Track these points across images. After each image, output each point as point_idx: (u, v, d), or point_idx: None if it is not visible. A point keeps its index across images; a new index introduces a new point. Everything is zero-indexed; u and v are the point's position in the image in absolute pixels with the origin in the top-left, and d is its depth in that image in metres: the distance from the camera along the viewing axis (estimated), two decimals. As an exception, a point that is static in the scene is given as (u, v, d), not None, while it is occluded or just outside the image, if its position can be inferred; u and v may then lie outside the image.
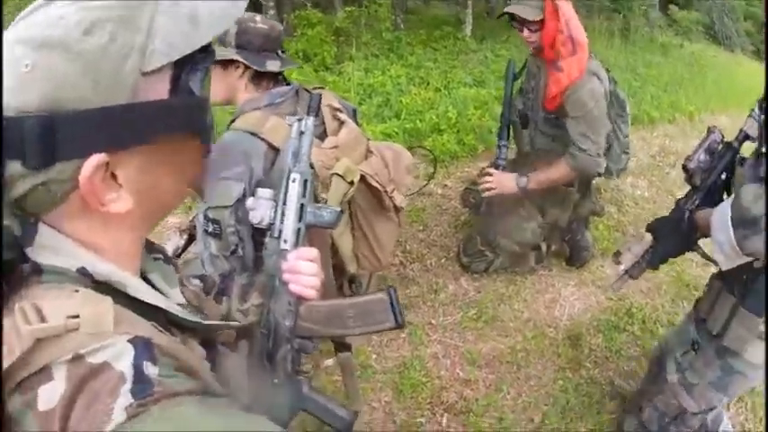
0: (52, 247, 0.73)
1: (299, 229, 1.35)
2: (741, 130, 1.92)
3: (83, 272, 0.72)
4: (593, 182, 3.42)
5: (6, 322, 0.63)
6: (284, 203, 1.36)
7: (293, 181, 1.37)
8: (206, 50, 0.79)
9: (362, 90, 6.07)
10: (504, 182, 3.12)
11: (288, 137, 1.70)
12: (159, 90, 0.74)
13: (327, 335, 1.43)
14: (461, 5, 9.92)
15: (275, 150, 1.91)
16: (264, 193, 1.40)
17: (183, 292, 1.00)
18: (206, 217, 1.83)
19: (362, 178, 2.04)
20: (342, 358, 2.26)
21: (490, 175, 3.18)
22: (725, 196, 2.03)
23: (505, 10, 2.97)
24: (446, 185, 4.41)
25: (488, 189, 3.16)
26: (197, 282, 1.24)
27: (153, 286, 0.89)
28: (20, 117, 0.66)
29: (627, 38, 11.11)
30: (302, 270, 1.28)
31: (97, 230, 0.76)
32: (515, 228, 3.27)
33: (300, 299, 1.31)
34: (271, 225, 1.36)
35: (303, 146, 1.40)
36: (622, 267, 2.19)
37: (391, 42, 7.93)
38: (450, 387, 2.81)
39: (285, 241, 1.34)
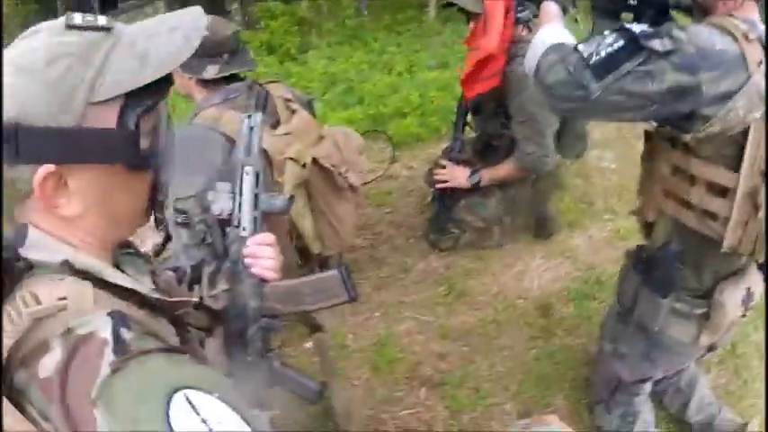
0: (38, 244, 0.86)
1: (255, 218, 1.47)
2: None
3: (65, 263, 0.85)
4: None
5: (9, 309, 0.78)
6: (240, 195, 1.47)
7: (247, 174, 1.48)
8: (161, 85, 0.90)
9: (326, 79, 6.14)
10: (456, 176, 3.36)
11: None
12: (107, 119, 0.86)
13: (289, 312, 1.54)
14: (425, -12, 10.05)
15: (232, 142, 2.04)
16: (223, 186, 1.51)
17: (155, 282, 1.13)
18: (175, 209, 1.95)
19: (315, 160, 2.20)
20: (316, 338, 2.37)
21: (444, 167, 3.40)
22: None
23: None
24: (411, 167, 4.50)
25: (442, 182, 3.39)
26: (170, 273, 1.37)
27: (123, 272, 1.00)
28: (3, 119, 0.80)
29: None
30: (261, 254, 1.41)
31: (64, 227, 0.89)
32: (477, 203, 3.42)
33: (263, 281, 1.42)
34: (230, 215, 1.47)
35: (253, 140, 1.51)
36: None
37: (354, 29, 8.04)
38: (425, 361, 2.90)
39: (244, 229, 1.45)
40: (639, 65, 1.52)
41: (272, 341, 1.51)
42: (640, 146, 2.08)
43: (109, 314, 0.80)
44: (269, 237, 1.45)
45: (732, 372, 2.91)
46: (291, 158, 2.12)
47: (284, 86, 2.47)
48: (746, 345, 3.02)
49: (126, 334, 0.79)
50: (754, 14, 1.66)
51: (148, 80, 0.87)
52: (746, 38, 1.55)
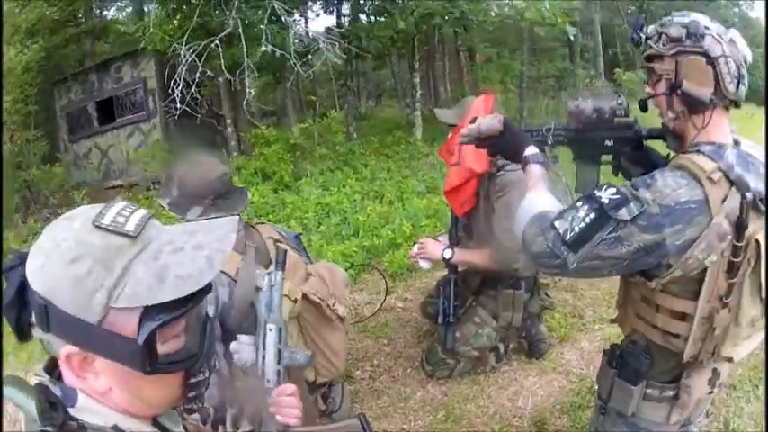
0: (89, 408, 0.98)
1: (278, 371, 1.68)
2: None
3: (115, 428, 0.98)
4: (540, 279, 3.90)
5: None
6: (264, 348, 1.68)
7: (270, 330, 1.69)
8: (181, 304, 0.94)
9: (320, 209, 6.58)
10: (431, 249, 3.63)
11: (237, 266, 2.32)
12: (125, 325, 0.92)
13: None
14: (410, 107, 10.64)
15: (233, 279, 2.43)
16: (245, 338, 1.75)
17: (184, 426, 1.24)
18: None
19: (304, 296, 2.57)
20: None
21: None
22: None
23: (435, 110, 3.63)
24: (406, 298, 4.88)
25: (418, 254, 3.66)
26: (195, 415, 1.48)
27: (164, 427, 1.14)
28: (36, 291, 0.91)
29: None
30: (285, 404, 1.59)
31: (102, 394, 0.99)
32: (472, 335, 3.71)
33: (286, 426, 1.58)
34: (253, 366, 1.68)
35: (275, 298, 1.73)
36: (465, 131, 2.18)
37: (345, 154, 8.54)
38: (429, 482, 3.17)
39: (269, 381, 1.66)
40: (610, 233, 1.76)
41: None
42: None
43: None
44: (291, 387, 1.61)
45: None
46: (285, 295, 2.37)
47: (271, 227, 2.83)
48: (740, 419, 3.32)
49: None
50: (724, 129, 1.90)
51: (163, 300, 0.91)
52: (711, 180, 1.76)
